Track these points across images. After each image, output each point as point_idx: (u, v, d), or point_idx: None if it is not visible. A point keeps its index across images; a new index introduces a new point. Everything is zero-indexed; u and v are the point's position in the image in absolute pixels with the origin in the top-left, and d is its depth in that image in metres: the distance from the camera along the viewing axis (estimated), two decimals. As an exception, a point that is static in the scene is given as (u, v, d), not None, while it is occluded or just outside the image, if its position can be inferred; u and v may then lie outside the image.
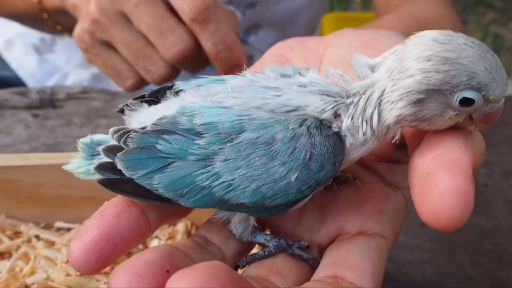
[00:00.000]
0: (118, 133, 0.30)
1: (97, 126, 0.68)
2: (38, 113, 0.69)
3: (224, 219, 0.32)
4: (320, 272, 0.29)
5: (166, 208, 0.31)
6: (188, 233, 0.50)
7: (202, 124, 0.29)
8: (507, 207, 0.61)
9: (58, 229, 0.51)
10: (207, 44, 0.55)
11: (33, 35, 0.87)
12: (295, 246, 0.31)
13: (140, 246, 0.49)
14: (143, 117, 0.32)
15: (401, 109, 0.28)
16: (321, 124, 0.29)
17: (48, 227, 0.50)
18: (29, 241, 0.49)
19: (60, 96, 0.72)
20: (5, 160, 0.47)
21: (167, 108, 0.31)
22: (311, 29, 0.98)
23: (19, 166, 0.47)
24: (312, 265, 0.31)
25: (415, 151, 0.28)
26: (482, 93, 0.27)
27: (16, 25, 0.81)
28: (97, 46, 0.59)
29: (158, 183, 0.29)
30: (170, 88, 0.33)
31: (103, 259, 0.28)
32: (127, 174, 0.29)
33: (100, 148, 0.30)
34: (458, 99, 0.27)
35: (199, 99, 0.31)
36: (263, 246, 0.32)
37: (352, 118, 0.29)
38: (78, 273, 0.46)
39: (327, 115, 0.29)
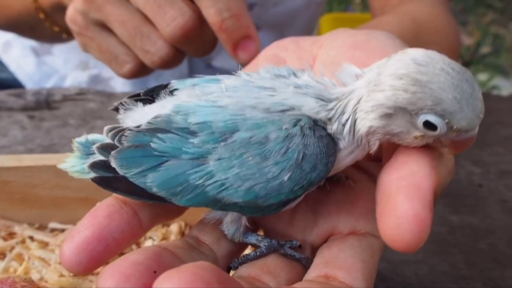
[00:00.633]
0: (113, 131, 0.30)
1: (93, 127, 0.68)
2: (34, 114, 0.69)
3: (216, 219, 0.32)
4: (312, 272, 0.30)
5: (159, 208, 0.31)
6: (182, 234, 0.50)
7: (196, 123, 0.29)
8: (502, 207, 0.61)
9: (52, 230, 0.51)
10: (210, 12, 0.48)
11: (31, 37, 0.87)
12: (287, 246, 0.31)
13: (134, 247, 0.49)
14: (137, 116, 0.32)
15: (372, 121, 0.28)
16: (315, 125, 0.29)
17: (42, 228, 0.51)
18: (23, 242, 0.49)
19: (56, 97, 0.72)
20: (-1, 162, 0.47)
21: (162, 107, 0.31)
22: (309, 30, 0.98)
23: (12, 167, 0.47)
24: (305, 264, 0.31)
25: (384, 166, 0.28)
26: (446, 121, 0.27)
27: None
28: (91, 28, 0.54)
29: (151, 181, 0.29)
30: (165, 87, 0.33)
31: (95, 259, 0.28)
32: (120, 172, 0.29)
33: (94, 146, 0.30)
34: (422, 122, 0.27)
35: (193, 98, 0.31)
36: (255, 246, 0.32)
37: (338, 123, 0.30)
38: (72, 274, 0.46)
39: (321, 116, 0.29)
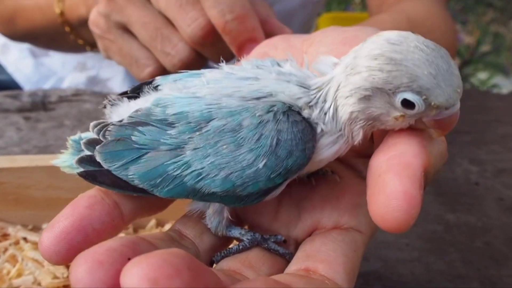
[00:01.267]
0: (98, 126, 0.31)
1: (88, 128, 0.68)
2: (30, 115, 0.69)
3: (199, 211, 0.32)
4: (293, 265, 0.29)
5: (142, 201, 0.31)
6: (176, 234, 0.50)
7: (173, 114, 0.29)
8: (498, 205, 0.60)
9: (46, 231, 0.50)
10: (212, 14, 0.47)
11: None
12: (271, 241, 0.31)
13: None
14: (122, 111, 0.33)
15: (352, 106, 0.28)
16: (289, 110, 0.29)
17: (35, 229, 0.50)
18: (16, 243, 0.49)
19: (52, 98, 0.72)
20: (-8, 163, 0.47)
21: (145, 102, 0.32)
22: (306, 29, 0.98)
23: (5, 168, 0.47)
24: (289, 259, 0.31)
25: (374, 151, 0.28)
26: (423, 98, 0.27)
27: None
28: (112, 31, 0.54)
29: (133, 174, 0.29)
30: (149, 83, 0.34)
31: (74, 249, 0.27)
32: (105, 166, 0.30)
33: (81, 142, 0.31)
34: (399, 100, 0.27)
35: (175, 92, 0.31)
36: (238, 240, 0.32)
37: (320, 110, 0.30)
38: (65, 275, 0.46)
39: (302, 102, 0.29)
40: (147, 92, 0.33)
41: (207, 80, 0.31)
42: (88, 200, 0.29)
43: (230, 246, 0.32)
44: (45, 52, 0.89)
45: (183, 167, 0.29)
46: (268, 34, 0.48)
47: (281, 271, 0.31)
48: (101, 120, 0.32)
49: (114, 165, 0.29)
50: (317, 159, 0.30)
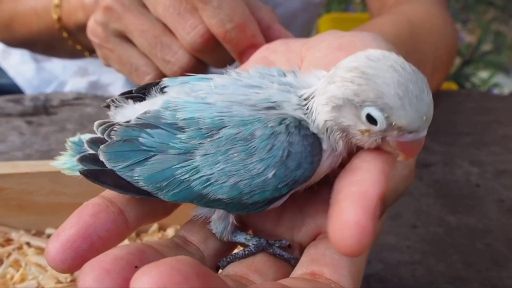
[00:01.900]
0: (103, 126, 0.31)
1: (90, 132, 0.68)
2: (32, 120, 0.70)
3: (203, 217, 0.32)
4: (298, 270, 0.30)
5: (146, 207, 0.32)
6: (178, 238, 0.51)
7: (184, 119, 0.29)
8: (499, 207, 0.61)
9: (49, 236, 0.51)
10: (212, 23, 0.47)
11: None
12: (276, 246, 0.32)
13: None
14: (128, 113, 0.33)
15: (326, 114, 0.29)
16: (300, 124, 0.30)
17: (39, 234, 0.51)
18: (20, 248, 0.49)
19: (54, 102, 0.73)
20: (-5, 168, 0.47)
21: (152, 104, 0.32)
22: (307, 32, 0.98)
23: (8, 174, 0.47)
24: (294, 264, 0.31)
25: (341, 171, 0.29)
26: (385, 115, 0.27)
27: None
28: (111, 39, 0.53)
29: (138, 175, 0.29)
30: (156, 85, 0.34)
31: (80, 257, 0.28)
32: (108, 165, 0.30)
33: (84, 140, 0.31)
34: (365, 114, 0.28)
35: (183, 95, 0.31)
36: (243, 245, 0.32)
37: (312, 122, 0.30)
38: (69, 280, 0.47)
39: (298, 114, 0.30)
40: (154, 94, 0.33)
41: (214, 85, 0.31)
42: (93, 208, 0.29)
43: (235, 251, 0.33)
44: (47, 57, 0.89)
45: (191, 171, 0.29)
46: (272, 40, 0.49)
47: (287, 275, 0.31)
48: (106, 120, 0.32)
49: (119, 165, 0.29)
50: (319, 172, 0.31)
